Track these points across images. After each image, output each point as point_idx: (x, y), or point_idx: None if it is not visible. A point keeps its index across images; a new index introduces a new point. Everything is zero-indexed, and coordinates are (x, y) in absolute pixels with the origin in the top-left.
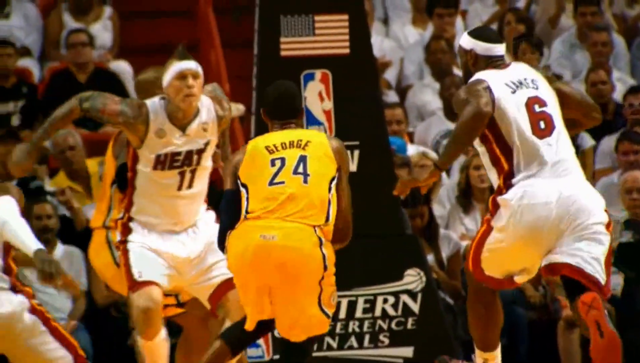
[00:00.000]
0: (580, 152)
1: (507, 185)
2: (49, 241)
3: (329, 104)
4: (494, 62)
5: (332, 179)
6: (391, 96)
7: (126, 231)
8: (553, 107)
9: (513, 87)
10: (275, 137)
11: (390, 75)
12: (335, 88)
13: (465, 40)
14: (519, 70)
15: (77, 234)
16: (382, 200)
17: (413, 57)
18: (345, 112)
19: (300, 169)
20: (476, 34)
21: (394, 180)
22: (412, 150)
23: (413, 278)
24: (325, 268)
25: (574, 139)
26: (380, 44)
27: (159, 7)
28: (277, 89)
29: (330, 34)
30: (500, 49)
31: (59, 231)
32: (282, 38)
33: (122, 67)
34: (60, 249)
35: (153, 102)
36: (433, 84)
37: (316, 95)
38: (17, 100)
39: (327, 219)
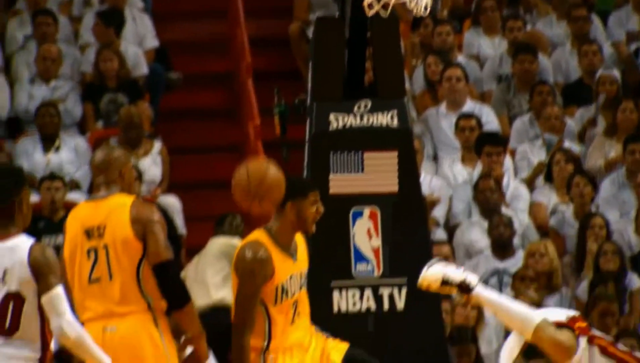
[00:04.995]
0: (628, 293)
1: None
2: None
3: (377, 242)
4: None
5: None
6: (439, 234)
7: None
8: None
9: None
10: None
11: (438, 213)
12: (384, 226)
13: None
14: None
15: None
16: (429, 338)
17: (462, 196)
18: (394, 250)
19: None
20: None
21: (440, 318)
22: None
23: None
24: None
25: (622, 281)
26: (429, 182)
27: (208, 142)
28: None
29: (379, 171)
30: None
31: None
32: (331, 175)
33: (171, 202)
34: None
35: None
36: (481, 222)
37: (365, 232)
38: None
39: None
